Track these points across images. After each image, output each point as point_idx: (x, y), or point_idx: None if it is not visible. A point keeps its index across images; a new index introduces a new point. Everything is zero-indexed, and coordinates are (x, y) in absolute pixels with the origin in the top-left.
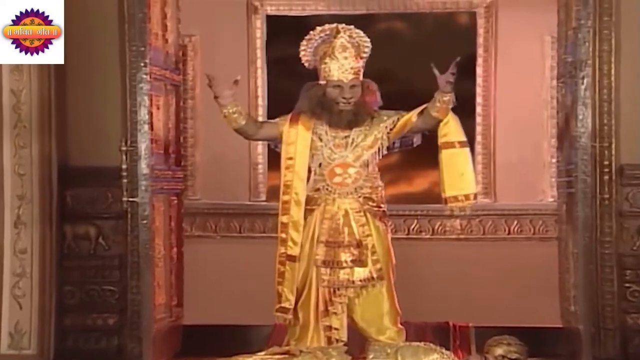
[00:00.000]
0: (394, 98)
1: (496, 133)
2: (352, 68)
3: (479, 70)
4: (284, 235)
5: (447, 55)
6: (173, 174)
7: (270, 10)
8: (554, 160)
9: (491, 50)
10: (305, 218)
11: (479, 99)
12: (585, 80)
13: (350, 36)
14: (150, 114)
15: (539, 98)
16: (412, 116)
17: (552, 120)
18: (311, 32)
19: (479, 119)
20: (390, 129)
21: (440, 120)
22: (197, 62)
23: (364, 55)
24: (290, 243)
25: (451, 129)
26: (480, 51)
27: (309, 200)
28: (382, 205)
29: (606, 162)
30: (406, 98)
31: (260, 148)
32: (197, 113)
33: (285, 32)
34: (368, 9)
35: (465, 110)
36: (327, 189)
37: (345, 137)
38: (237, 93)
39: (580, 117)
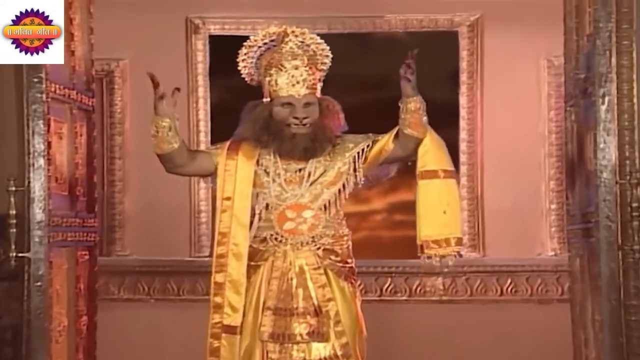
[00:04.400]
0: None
1: (484, 174)
2: (305, 80)
3: (463, 100)
4: (218, 300)
5: (423, 83)
6: (82, 222)
7: (214, 29)
8: (554, 207)
9: (476, 77)
10: (248, 277)
11: (462, 134)
12: (606, 100)
13: (302, 41)
14: (49, 144)
15: (534, 133)
16: (389, 141)
17: (550, 159)
18: (252, 37)
19: (463, 158)
20: (359, 160)
21: (420, 141)
22: (126, 91)
23: (322, 66)
24: (227, 310)
25: (432, 153)
26: (463, 77)
27: (252, 254)
28: (349, 261)
29: (635, 204)
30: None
31: (204, 193)
32: (126, 151)
33: (232, 55)
34: (330, 29)
35: (447, 146)
36: (275, 239)
37: (300, 170)
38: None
39: (602, 145)
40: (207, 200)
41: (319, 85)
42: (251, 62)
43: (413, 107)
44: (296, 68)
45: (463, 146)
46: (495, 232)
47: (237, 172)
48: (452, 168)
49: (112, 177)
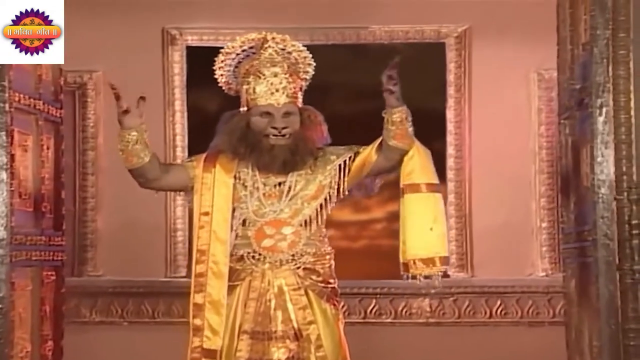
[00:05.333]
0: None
1: (472, 192)
2: (285, 89)
3: (450, 114)
4: (198, 322)
5: (411, 93)
6: (48, 241)
7: (192, 40)
8: (545, 225)
9: (464, 90)
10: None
11: (450, 149)
12: (604, 111)
13: (283, 48)
14: (12, 156)
15: (524, 148)
16: (372, 152)
17: (541, 175)
18: (230, 43)
19: (450, 174)
20: (342, 172)
21: (405, 152)
22: (99, 104)
23: (304, 75)
24: (207, 332)
25: (417, 166)
26: (450, 91)
27: (228, 274)
28: (332, 281)
29: (635, 222)
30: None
31: (180, 210)
32: (99, 167)
33: (211, 67)
34: (312, 40)
35: (435, 160)
36: (253, 257)
37: (279, 184)
38: (150, 142)
39: (599, 159)
40: (183, 218)
41: (300, 95)
42: (229, 70)
43: (398, 118)
44: (275, 75)
45: (450, 162)
46: (484, 251)
47: (215, 186)
48: (437, 181)
49: (84, 194)
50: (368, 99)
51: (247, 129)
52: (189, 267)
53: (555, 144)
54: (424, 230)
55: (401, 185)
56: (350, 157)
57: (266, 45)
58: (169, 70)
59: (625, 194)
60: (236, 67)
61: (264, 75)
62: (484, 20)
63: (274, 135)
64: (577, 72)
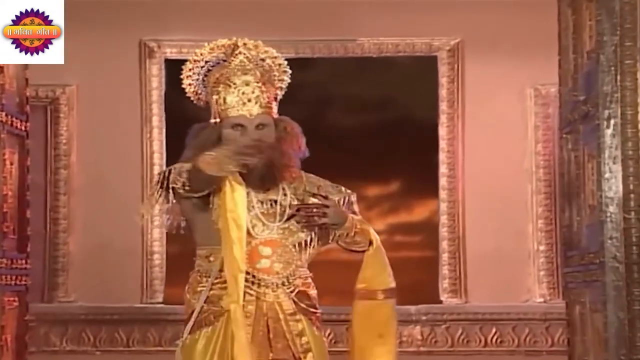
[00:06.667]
0: None
1: (465, 213)
2: (257, 98)
3: (442, 131)
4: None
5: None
6: (10, 264)
7: (171, 53)
8: (542, 248)
9: (457, 106)
10: (209, 323)
11: (442, 168)
12: (612, 123)
13: (256, 55)
14: None
15: (520, 167)
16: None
17: (538, 196)
18: (198, 50)
19: (443, 194)
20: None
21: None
22: (72, 120)
23: (279, 84)
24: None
25: (374, 270)
26: (443, 106)
27: (215, 299)
28: (317, 307)
29: None
30: None
31: (157, 232)
32: (72, 187)
33: None
34: (297, 53)
35: (426, 183)
36: (245, 280)
37: (275, 202)
38: (126, 160)
39: (607, 175)
40: (161, 240)
41: (275, 105)
42: (197, 79)
43: (345, 233)
44: (247, 84)
45: (443, 181)
46: (478, 276)
47: (235, 190)
48: (393, 285)
49: (55, 215)
50: (366, 111)
51: (218, 143)
52: (165, 292)
53: (552, 163)
54: (374, 336)
55: (356, 288)
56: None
57: (237, 52)
58: (146, 84)
59: (633, 213)
60: (205, 75)
61: (234, 84)
62: (477, 33)
63: None
64: (580, 82)
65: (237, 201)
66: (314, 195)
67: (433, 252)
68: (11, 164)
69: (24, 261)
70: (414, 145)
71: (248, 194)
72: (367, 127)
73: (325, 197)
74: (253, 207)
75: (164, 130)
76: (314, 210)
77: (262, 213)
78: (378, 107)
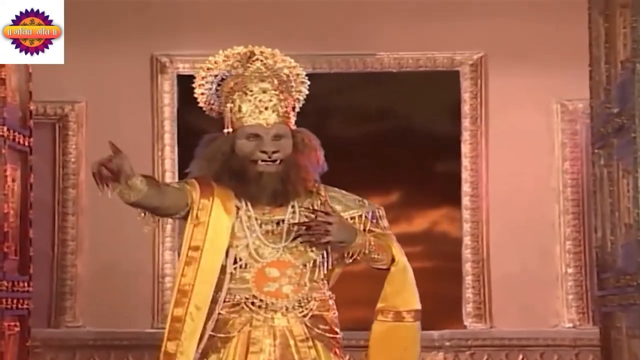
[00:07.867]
0: None
1: (490, 234)
2: (275, 106)
3: (465, 149)
4: None
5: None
6: (12, 286)
7: (183, 68)
8: (571, 271)
9: (480, 123)
10: (213, 352)
11: (465, 187)
12: None
13: (273, 63)
14: None
15: (547, 187)
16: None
17: (566, 216)
18: (211, 58)
19: (466, 214)
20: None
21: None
22: (81, 138)
23: (297, 95)
24: None
25: (395, 288)
26: (466, 123)
27: (221, 325)
28: (337, 330)
29: None
30: None
31: (169, 254)
32: (81, 207)
33: None
34: (315, 68)
35: (448, 202)
36: (252, 304)
37: (278, 222)
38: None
39: None
40: (172, 262)
41: (293, 116)
42: (210, 88)
43: (359, 251)
44: (264, 91)
45: (466, 200)
46: (503, 299)
47: (211, 217)
48: (418, 307)
49: (63, 236)
50: (372, 122)
51: (232, 154)
52: None
53: (581, 182)
54: (400, 350)
55: (378, 307)
56: (361, 217)
57: (254, 59)
58: (158, 100)
59: None
60: (219, 84)
61: (251, 91)
62: (501, 47)
63: (262, 160)
64: (614, 94)
65: (208, 236)
66: (314, 211)
67: (432, 263)
68: (13, 180)
69: (26, 284)
70: (436, 157)
71: (247, 211)
72: (373, 138)
73: (327, 214)
74: (255, 225)
75: (176, 149)
76: (315, 228)
77: (268, 233)
78: (381, 118)
